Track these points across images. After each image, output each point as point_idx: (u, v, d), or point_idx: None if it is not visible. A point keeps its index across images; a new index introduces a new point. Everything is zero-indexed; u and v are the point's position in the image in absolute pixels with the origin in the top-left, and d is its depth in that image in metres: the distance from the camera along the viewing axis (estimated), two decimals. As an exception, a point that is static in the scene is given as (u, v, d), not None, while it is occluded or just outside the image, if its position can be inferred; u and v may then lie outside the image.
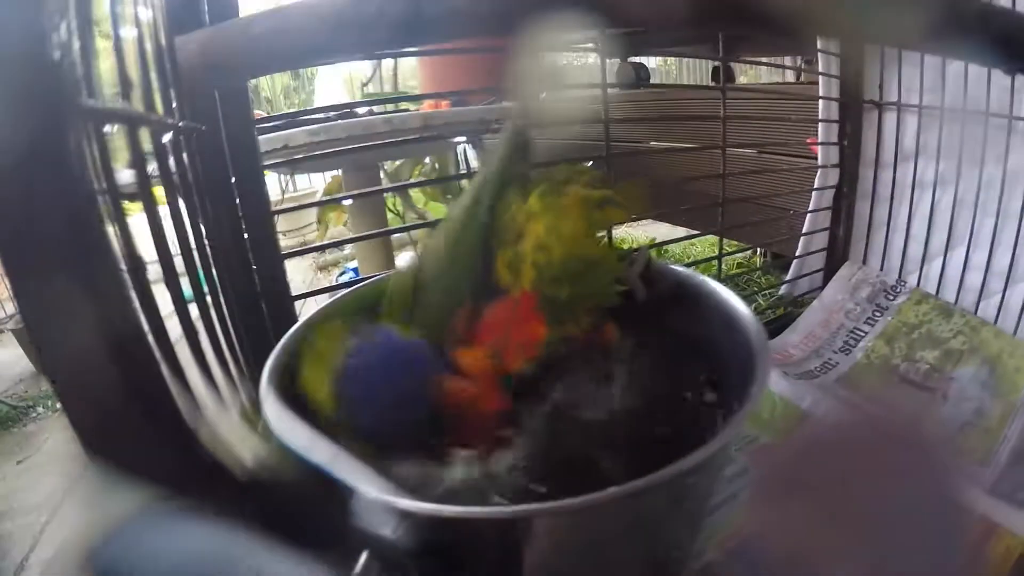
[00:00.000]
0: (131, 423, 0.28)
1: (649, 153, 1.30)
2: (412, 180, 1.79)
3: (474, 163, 1.93)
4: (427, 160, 1.87)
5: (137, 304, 0.29)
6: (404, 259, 1.79)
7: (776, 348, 0.90)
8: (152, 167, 0.36)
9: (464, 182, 2.04)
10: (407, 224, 1.78)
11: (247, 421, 0.46)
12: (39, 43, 0.24)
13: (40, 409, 1.83)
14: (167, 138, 0.36)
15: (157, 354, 0.30)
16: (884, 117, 1.00)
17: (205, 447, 0.32)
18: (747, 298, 1.28)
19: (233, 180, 0.52)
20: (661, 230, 2.03)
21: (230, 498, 0.31)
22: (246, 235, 0.55)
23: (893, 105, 0.97)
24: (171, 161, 0.37)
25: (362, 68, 2.48)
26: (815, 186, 1.05)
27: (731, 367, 0.47)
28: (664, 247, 1.60)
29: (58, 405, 1.84)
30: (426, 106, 1.29)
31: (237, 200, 0.53)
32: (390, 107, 1.72)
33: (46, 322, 0.26)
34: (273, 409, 0.37)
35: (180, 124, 0.38)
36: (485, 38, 0.52)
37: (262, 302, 0.57)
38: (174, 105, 0.40)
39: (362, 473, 0.32)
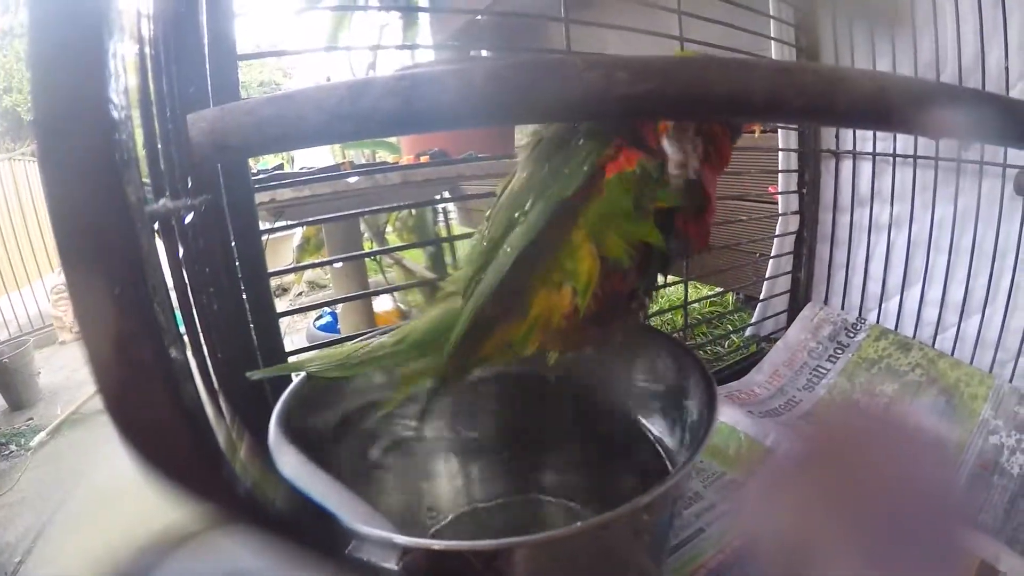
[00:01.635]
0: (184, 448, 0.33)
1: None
2: (389, 227, 1.86)
3: (452, 213, 2.01)
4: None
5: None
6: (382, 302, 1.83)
7: (743, 387, 0.96)
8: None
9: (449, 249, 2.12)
10: (384, 272, 1.84)
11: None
12: (107, 144, 0.30)
13: (13, 447, 1.84)
14: (190, 218, 0.42)
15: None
16: (840, 165, 1.08)
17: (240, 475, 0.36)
18: (719, 339, 1.34)
19: (233, 243, 0.58)
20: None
21: (262, 525, 0.35)
22: (244, 295, 0.60)
23: (849, 153, 1.06)
24: (190, 236, 0.43)
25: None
26: (777, 232, 1.12)
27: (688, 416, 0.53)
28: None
29: (31, 443, 1.87)
30: (406, 158, 1.33)
31: (237, 262, 0.58)
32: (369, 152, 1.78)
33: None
34: (286, 457, 0.42)
35: (198, 202, 0.44)
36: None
37: (258, 355, 0.62)
38: (188, 184, 0.45)
39: (365, 513, 0.37)
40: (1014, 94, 0.89)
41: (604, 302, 0.45)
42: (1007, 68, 0.89)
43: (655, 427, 0.58)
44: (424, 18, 2.46)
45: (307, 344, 0.71)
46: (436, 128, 0.40)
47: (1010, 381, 0.94)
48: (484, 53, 2.18)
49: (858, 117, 0.46)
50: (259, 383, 0.60)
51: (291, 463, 0.41)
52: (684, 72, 0.38)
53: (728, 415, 0.85)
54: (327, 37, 2.35)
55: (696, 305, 1.58)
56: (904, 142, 1.00)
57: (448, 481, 0.65)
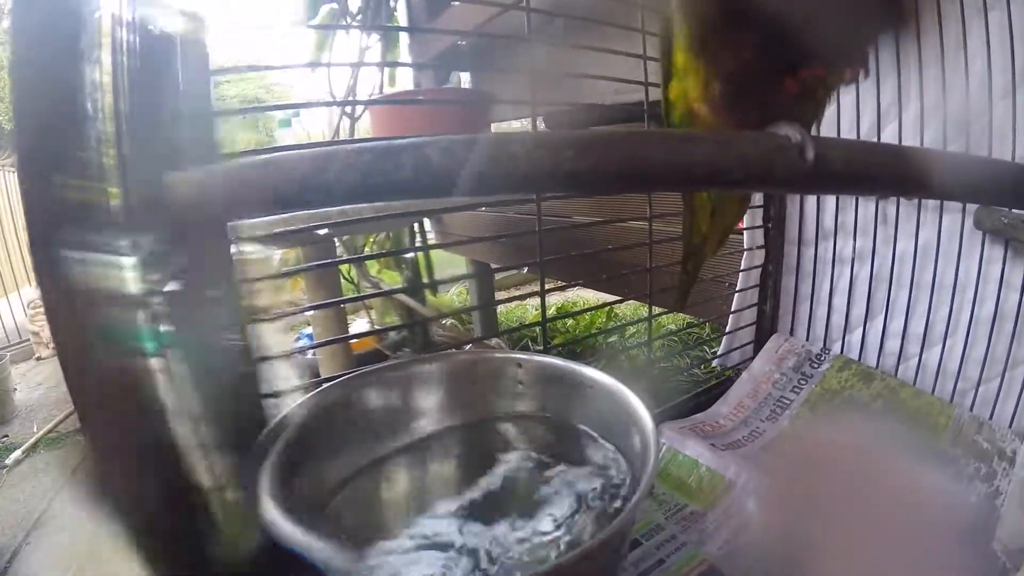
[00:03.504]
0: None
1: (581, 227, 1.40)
2: (366, 249, 1.89)
3: (430, 236, 2.05)
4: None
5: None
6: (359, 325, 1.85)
7: (708, 419, 0.99)
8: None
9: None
10: (361, 292, 1.86)
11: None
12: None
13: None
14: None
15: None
16: (805, 200, 1.12)
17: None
18: (687, 369, 1.37)
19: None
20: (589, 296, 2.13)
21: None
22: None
23: None
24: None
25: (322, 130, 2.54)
26: (742, 267, 1.16)
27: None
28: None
29: (7, 461, 1.86)
30: None
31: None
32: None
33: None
34: (272, 514, 0.44)
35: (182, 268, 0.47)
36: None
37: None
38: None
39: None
40: (973, 133, 0.93)
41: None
42: (968, 108, 0.93)
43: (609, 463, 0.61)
44: (404, 41, 2.49)
45: (288, 374, 0.73)
46: (394, 199, 0.43)
47: (971, 410, 0.98)
48: (465, 76, 2.22)
49: (798, 184, 0.49)
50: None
51: (273, 517, 0.44)
52: (623, 148, 0.40)
53: (691, 448, 0.88)
54: (310, 55, 2.37)
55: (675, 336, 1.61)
56: None
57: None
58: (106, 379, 0.44)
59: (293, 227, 0.85)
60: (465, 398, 0.66)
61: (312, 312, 1.52)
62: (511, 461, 0.66)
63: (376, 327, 1.81)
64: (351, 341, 1.71)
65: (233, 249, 0.63)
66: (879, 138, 1.02)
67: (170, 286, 0.48)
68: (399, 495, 0.63)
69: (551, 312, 1.75)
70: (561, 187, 0.41)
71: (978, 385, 0.98)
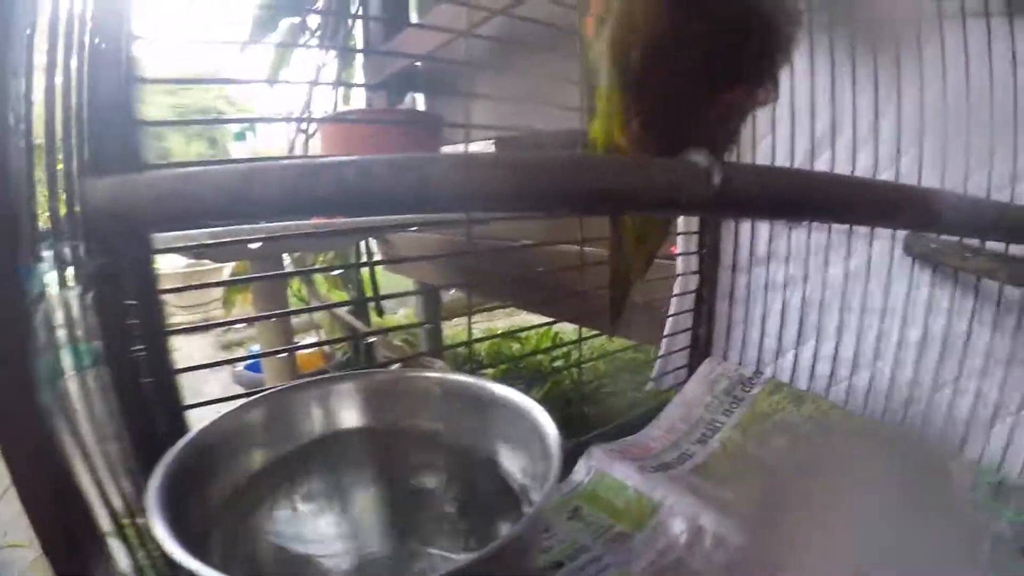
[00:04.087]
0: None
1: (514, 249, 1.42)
2: (316, 266, 1.89)
3: (376, 254, 2.05)
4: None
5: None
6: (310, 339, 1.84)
7: (638, 442, 1.01)
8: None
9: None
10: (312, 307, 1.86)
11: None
12: None
13: None
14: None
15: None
16: (739, 228, 1.16)
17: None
18: (618, 392, 1.39)
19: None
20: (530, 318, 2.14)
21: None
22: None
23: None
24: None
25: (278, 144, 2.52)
26: (676, 291, 1.19)
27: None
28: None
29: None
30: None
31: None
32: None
33: None
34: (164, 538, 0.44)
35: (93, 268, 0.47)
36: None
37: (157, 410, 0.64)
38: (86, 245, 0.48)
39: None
40: (904, 162, 0.98)
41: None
42: (898, 139, 0.98)
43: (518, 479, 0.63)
44: (359, 60, 2.51)
45: (234, 391, 0.73)
46: (320, 215, 0.44)
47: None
48: (419, 97, 2.23)
49: (706, 207, 0.52)
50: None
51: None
52: (535, 171, 0.42)
53: (619, 471, 0.89)
54: (268, 70, 2.38)
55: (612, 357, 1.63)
56: None
57: (329, 543, 0.68)
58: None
59: (231, 239, 0.85)
60: (378, 416, 0.67)
61: (259, 329, 1.52)
62: (417, 480, 0.68)
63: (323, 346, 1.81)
64: (299, 360, 1.69)
65: (156, 260, 0.63)
66: (812, 166, 1.06)
67: (84, 295, 0.49)
68: (297, 514, 0.64)
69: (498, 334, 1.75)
70: (470, 207, 0.42)
71: (907, 407, 1.01)
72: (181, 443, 0.54)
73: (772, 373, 1.14)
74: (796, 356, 1.12)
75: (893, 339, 1.02)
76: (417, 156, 0.42)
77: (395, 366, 1.43)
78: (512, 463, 0.63)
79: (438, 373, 0.71)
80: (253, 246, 0.81)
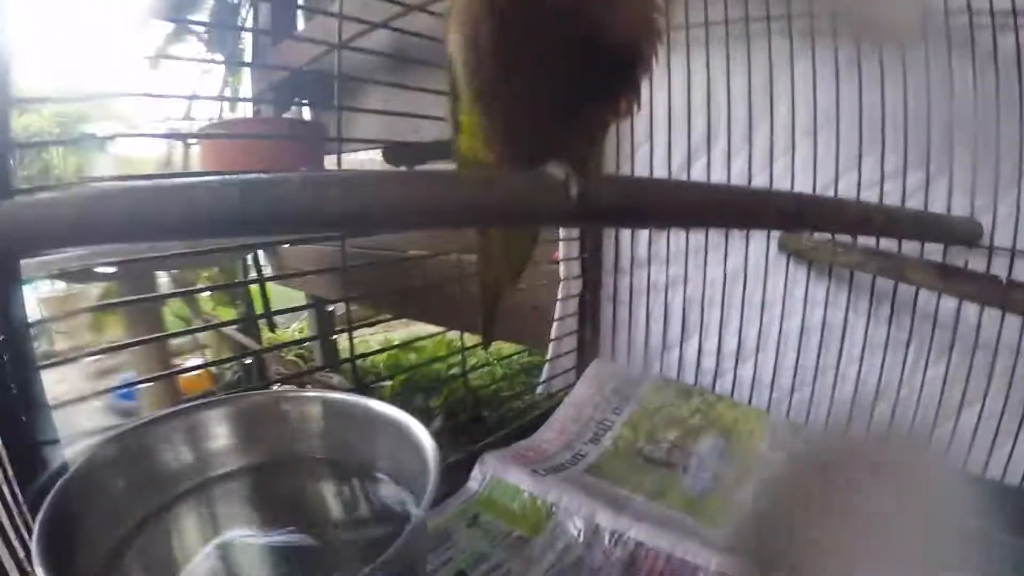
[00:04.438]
0: None
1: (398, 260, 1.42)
2: (199, 284, 1.82)
3: (266, 268, 2.00)
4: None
5: None
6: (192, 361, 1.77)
7: (531, 445, 1.02)
8: None
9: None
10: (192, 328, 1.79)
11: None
12: None
13: None
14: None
15: None
16: (620, 232, 1.19)
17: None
18: (514, 396, 1.40)
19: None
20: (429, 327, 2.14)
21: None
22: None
23: None
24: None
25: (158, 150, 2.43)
26: (559, 296, 1.21)
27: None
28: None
29: None
30: None
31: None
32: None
33: None
34: None
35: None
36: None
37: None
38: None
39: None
40: (777, 168, 1.04)
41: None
42: (771, 146, 1.04)
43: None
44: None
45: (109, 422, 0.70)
46: (165, 240, 0.43)
47: (787, 416, 1.06)
48: (305, 105, 2.20)
49: (565, 219, 0.52)
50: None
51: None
52: (390, 188, 0.42)
53: (513, 475, 0.90)
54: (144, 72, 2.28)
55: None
56: None
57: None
58: None
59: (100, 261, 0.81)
60: (259, 440, 0.65)
61: (132, 354, 1.44)
62: (305, 502, 0.67)
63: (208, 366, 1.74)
64: (184, 383, 1.63)
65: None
66: (689, 173, 1.11)
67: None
68: (188, 543, 0.62)
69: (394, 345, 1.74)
70: (327, 227, 0.42)
71: (792, 392, 1.07)
72: (49, 499, 0.51)
73: (659, 370, 1.18)
74: (681, 352, 1.16)
75: (774, 331, 1.08)
76: (272, 177, 0.41)
77: (275, 386, 1.40)
78: (396, 480, 0.63)
79: (317, 392, 0.70)
80: (104, 270, 0.78)
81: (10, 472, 0.55)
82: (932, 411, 0.96)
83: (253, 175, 0.41)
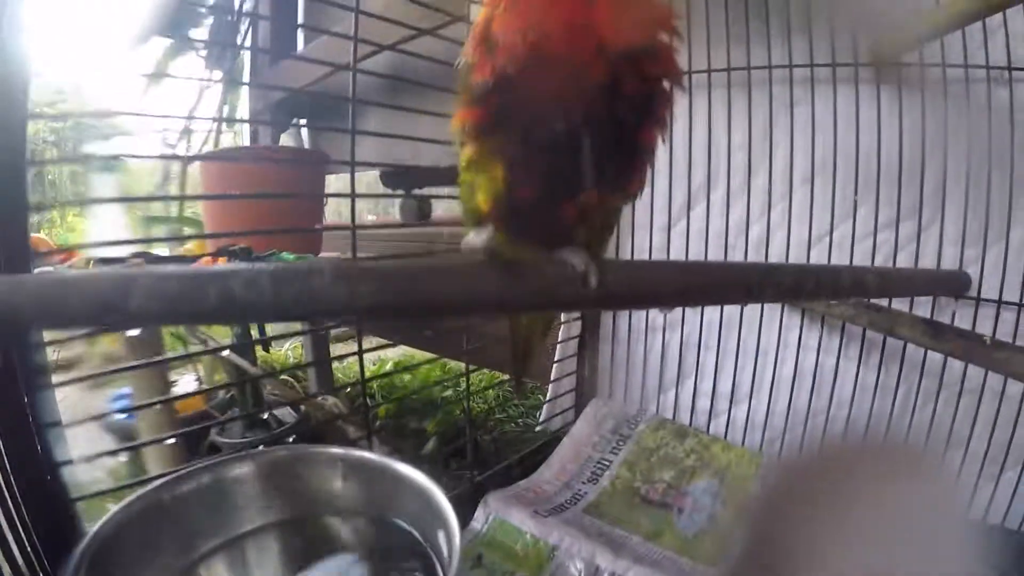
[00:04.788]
0: None
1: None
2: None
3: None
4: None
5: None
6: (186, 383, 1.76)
7: (531, 485, 1.04)
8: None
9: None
10: (188, 349, 1.78)
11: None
12: None
13: None
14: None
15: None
16: None
17: None
18: (507, 419, 1.42)
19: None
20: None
21: None
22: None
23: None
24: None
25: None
26: (559, 338, 1.24)
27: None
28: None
29: None
30: (203, 262, 1.27)
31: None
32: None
33: None
34: None
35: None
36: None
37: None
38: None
39: None
40: (774, 215, 1.07)
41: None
42: (769, 192, 1.07)
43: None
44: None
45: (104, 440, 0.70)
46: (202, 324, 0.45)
47: (779, 457, 1.09)
48: (303, 123, 2.21)
49: (584, 305, 0.55)
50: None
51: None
52: (422, 282, 0.44)
53: (516, 517, 0.92)
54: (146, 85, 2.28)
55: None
56: (676, 252, 1.16)
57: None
58: None
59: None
60: (286, 495, 0.67)
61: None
62: (333, 558, 0.68)
63: (203, 386, 1.74)
64: (178, 403, 1.63)
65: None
66: (688, 218, 1.14)
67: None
68: None
69: (388, 367, 1.76)
70: (361, 318, 0.44)
71: (784, 434, 1.10)
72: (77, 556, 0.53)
73: (655, 410, 1.20)
74: (677, 393, 1.19)
75: (768, 375, 1.11)
76: (303, 265, 0.43)
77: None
78: (418, 539, 0.64)
79: (340, 450, 0.71)
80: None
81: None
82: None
83: (283, 265, 0.43)
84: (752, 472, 1.06)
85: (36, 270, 0.62)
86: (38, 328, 0.57)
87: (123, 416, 1.59)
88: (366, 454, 0.69)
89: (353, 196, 0.92)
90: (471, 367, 1.12)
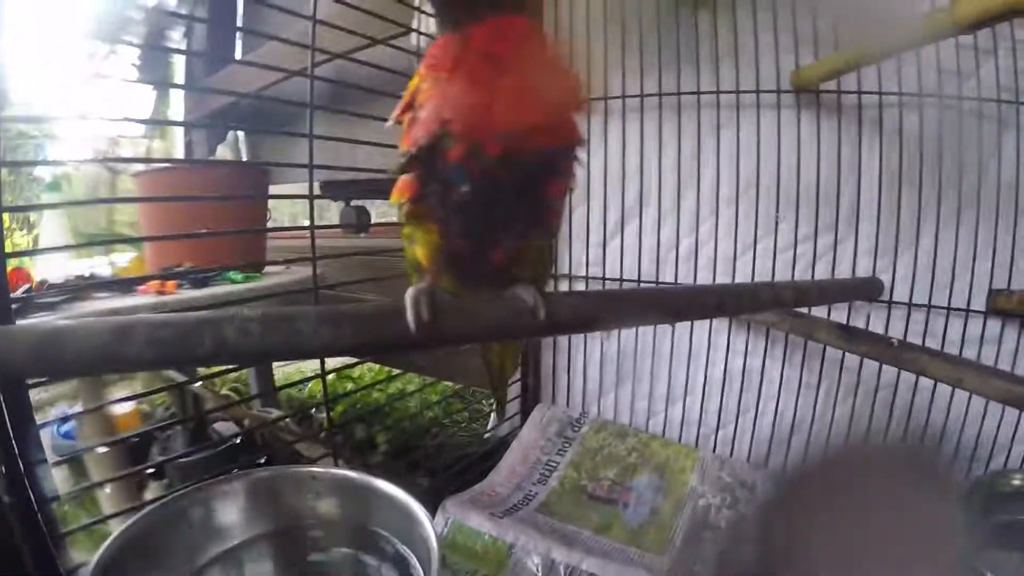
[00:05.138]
0: None
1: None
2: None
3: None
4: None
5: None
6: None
7: (485, 489, 1.10)
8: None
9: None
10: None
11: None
12: None
13: None
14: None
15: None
16: (557, 286, 1.29)
17: None
18: (468, 443, 1.48)
19: None
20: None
21: None
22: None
23: (566, 276, 1.28)
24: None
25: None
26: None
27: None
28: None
29: None
30: (150, 286, 1.27)
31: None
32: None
33: None
34: None
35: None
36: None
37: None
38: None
39: None
40: (703, 231, 1.16)
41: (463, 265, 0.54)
42: (698, 210, 1.15)
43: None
44: (178, 94, 2.42)
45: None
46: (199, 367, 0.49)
47: (713, 451, 1.18)
48: (241, 135, 2.20)
49: (536, 334, 0.61)
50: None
51: None
52: (394, 322, 0.49)
53: (474, 519, 0.98)
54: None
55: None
56: (612, 268, 1.25)
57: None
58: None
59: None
60: (270, 509, 0.71)
61: (70, 386, 1.41)
62: (325, 556, 0.73)
63: (140, 400, 1.68)
64: (118, 421, 1.60)
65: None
66: (623, 234, 1.22)
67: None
68: None
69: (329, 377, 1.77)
70: (344, 355, 0.49)
71: (717, 430, 1.19)
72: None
73: (597, 413, 1.28)
74: (617, 396, 1.27)
75: (700, 376, 1.20)
76: (288, 311, 0.47)
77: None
78: (397, 544, 0.69)
79: (319, 468, 0.75)
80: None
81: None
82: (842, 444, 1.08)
83: (274, 310, 0.47)
84: (689, 465, 1.15)
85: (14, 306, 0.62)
86: (30, 377, 0.59)
87: (68, 438, 1.57)
88: (343, 471, 0.73)
89: (312, 197, 0.98)
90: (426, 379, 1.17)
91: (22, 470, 0.62)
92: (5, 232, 0.59)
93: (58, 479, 0.66)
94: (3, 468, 0.60)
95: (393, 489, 0.68)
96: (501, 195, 0.49)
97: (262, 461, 1.04)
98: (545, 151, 0.49)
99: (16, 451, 0.61)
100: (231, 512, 0.69)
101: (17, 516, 0.61)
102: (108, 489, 1.01)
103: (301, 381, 1.42)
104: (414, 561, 0.66)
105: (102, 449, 1.07)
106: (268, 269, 1.61)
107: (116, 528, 0.61)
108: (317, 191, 1.59)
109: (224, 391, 1.88)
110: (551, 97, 0.48)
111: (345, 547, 0.71)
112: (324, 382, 0.95)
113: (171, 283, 1.25)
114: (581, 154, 0.53)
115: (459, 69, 0.47)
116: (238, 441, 1.23)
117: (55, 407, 1.68)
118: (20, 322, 0.61)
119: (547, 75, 0.49)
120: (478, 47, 0.47)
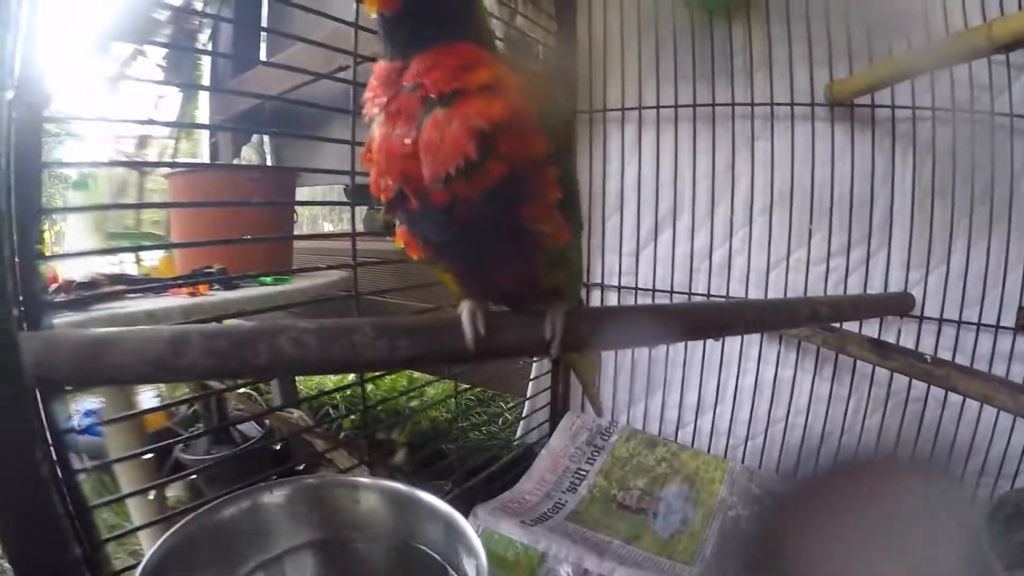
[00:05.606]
0: None
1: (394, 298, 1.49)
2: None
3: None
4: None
5: None
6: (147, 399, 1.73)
7: (515, 496, 1.11)
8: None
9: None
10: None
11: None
12: None
13: None
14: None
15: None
16: (590, 294, 1.30)
17: None
18: (499, 450, 1.48)
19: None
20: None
21: None
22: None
23: (598, 285, 1.28)
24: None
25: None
26: (535, 358, 1.30)
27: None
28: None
29: None
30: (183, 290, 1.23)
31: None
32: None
33: None
34: None
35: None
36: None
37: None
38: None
39: None
40: (736, 241, 1.17)
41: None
42: (731, 221, 1.16)
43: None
44: (204, 96, 2.43)
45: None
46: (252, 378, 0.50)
47: (742, 461, 1.18)
48: (266, 140, 2.21)
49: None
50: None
51: None
52: (445, 335, 0.50)
53: (504, 527, 0.99)
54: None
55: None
56: (644, 277, 1.25)
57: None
58: None
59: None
60: (314, 518, 0.72)
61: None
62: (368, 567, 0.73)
63: (165, 401, 1.71)
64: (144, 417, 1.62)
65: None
66: (656, 243, 1.23)
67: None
68: None
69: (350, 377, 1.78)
70: (399, 367, 0.49)
71: (747, 441, 1.20)
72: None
73: (627, 422, 1.29)
74: (647, 405, 1.27)
75: (731, 387, 1.20)
76: (346, 323, 0.48)
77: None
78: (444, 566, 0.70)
79: (368, 479, 0.76)
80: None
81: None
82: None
83: (330, 322, 0.47)
84: (719, 476, 1.15)
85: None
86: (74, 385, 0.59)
87: (93, 435, 1.59)
88: (389, 482, 0.73)
89: (353, 204, 0.96)
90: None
91: (62, 479, 0.61)
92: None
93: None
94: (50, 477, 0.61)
95: (437, 501, 0.69)
96: (478, 231, 0.47)
97: (300, 468, 1.05)
98: (497, 183, 0.45)
99: (56, 459, 0.61)
100: (275, 520, 0.70)
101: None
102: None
103: (337, 389, 1.43)
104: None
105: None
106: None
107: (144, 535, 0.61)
108: (342, 196, 1.61)
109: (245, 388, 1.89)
110: (485, 127, 0.44)
111: (388, 558, 0.72)
112: (363, 390, 0.95)
113: (203, 287, 1.25)
114: (561, 161, 0.49)
115: (390, 108, 0.46)
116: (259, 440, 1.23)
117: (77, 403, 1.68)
118: (57, 322, 0.60)
119: (480, 105, 0.44)
120: (410, 79, 0.45)
